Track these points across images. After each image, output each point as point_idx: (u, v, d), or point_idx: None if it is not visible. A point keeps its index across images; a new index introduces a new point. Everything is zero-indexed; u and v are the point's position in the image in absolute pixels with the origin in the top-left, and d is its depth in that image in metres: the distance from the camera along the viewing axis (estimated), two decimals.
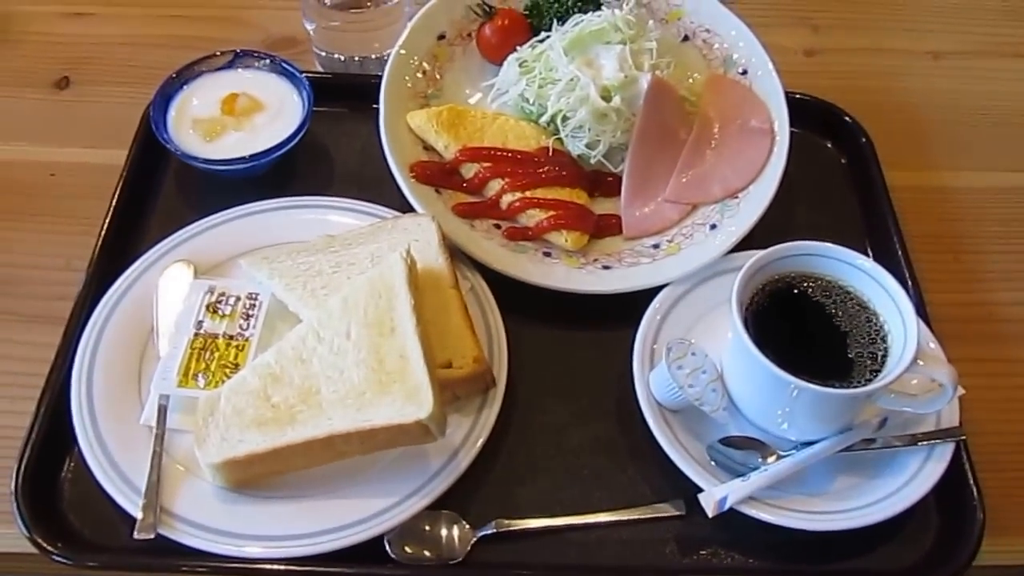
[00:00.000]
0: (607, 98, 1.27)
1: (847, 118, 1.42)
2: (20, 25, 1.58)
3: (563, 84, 1.28)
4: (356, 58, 1.48)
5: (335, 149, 1.39)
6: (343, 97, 1.42)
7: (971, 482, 1.09)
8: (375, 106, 1.31)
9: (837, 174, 1.41)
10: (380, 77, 1.33)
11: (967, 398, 1.09)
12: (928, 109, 1.53)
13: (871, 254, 1.29)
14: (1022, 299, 1.32)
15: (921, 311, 1.20)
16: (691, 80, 1.37)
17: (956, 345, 1.16)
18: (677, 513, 1.07)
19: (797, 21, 1.65)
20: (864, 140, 1.40)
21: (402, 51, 1.36)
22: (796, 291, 1.07)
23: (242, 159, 1.28)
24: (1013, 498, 1.13)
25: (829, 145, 1.43)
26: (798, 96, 1.40)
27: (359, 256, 1.17)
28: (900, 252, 1.27)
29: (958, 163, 1.46)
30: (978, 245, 1.36)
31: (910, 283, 1.24)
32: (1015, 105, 1.56)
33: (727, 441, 1.07)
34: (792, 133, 1.31)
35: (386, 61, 1.35)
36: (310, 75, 1.37)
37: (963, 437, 1.09)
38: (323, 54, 1.50)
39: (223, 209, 1.26)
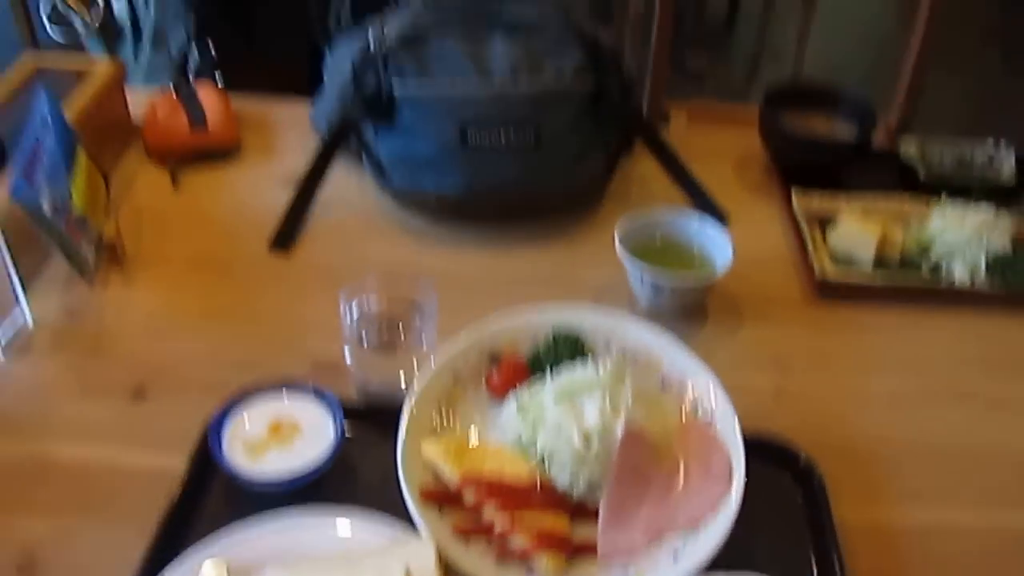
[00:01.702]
0: (588, 442, 1.50)
1: (801, 456, 1.61)
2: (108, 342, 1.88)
3: (550, 428, 1.52)
4: (386, 390, 1.73)
5: (361, 469, 1.61)
6: (371, 424, 1.66)
7: None
8: (397, 435, 1.54)
9: (793, 508, 1.58)
10: (403, 410, 1.57)
11: None
12: (882, 448, 1.72)
13: None
14: None
15: None
16: (663, 426, 1.59)
17: None
18: None
19: (768, 363, 1.89)
20: (816, 479, 1.58)
21: (422, 392, 1.61)
22: None
23: (280, 483, 1.51)
24: None
25: (788, 481, 1.61)
26: (758, 439, 1.59)
27: (366, 572, 1.36)
28: None
29: (906, 501, 1.63)
30: None
31: None
32: (964, 448, 1.74)
33: None
34: (755, 468, 1.49)
35: (411, 395, 1.59)
36: (345, 404, 1.61)
37: None
38: (359, 384, 1.75)
39: (261, 512, 1.46)
